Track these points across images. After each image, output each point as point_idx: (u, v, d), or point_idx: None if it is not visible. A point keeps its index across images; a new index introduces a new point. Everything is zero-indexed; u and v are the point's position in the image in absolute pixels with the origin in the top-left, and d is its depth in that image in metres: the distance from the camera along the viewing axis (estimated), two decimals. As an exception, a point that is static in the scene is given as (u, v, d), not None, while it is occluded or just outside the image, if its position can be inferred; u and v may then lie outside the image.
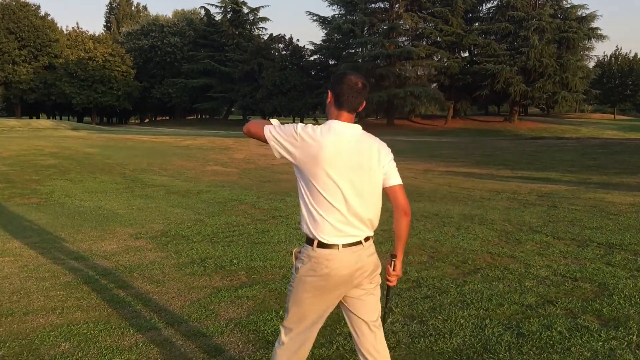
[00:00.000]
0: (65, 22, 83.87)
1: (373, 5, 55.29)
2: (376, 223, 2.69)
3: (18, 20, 63.28)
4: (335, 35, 58.29)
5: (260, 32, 70.33)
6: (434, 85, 56.40)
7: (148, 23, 73.98)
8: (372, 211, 2.64)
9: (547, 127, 48.78)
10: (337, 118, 2.69)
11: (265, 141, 2.68)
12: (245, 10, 68.65)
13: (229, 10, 68.22)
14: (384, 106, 55.20)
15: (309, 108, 60.63)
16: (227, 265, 5.83)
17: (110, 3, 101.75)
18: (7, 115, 75.73)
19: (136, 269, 5.72)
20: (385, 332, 2.85)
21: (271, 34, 65.17)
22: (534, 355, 3.66)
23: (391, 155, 2.73)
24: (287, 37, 62.64)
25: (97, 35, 70.97)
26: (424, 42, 53.79)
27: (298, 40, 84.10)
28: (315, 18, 59.29)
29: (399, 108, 54.77)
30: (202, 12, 72.38)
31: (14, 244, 6.89)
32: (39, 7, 68.63)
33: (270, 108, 59.44)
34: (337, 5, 57.90)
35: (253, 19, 69.90)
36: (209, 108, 69.60)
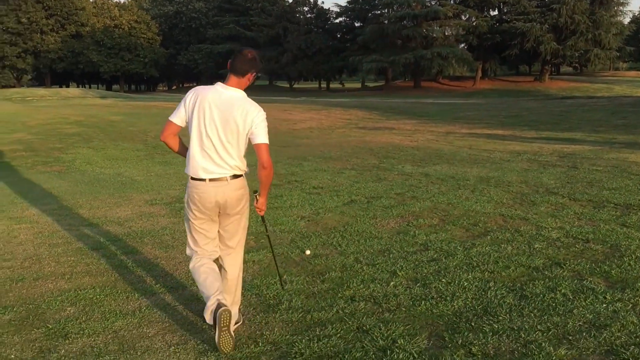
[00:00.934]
0: None
1: (398, -37, 54.03)
2: (244, 166, 3.50)
3: (45, -12, 63.65)
4: (361, -5, 57.35)
5: (285, -4, 69.54)
6: (462, 45, 55.30)
7: (172, -12, 73.74)
8: (237, 156, 3.41)
9: (579, 87, 47.58)
10: (226, 81, 3.48)
11: (172, 130, 3.55)
12: (269, -26, 67.80)
13: (252, -27, 67.48)
14: (411, 68, 54.47)
15: (334, 71, 60.11)
16: (236, 230, 5.87)
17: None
18: (38, 85, 76.86)
19: (147, 235, 5.80)
20: (385, 294, 3.81)
21: (296, -3, 64.39)
22: (535, 317, 3.62)
23: (262, 118, 3.41)
24: (311, 0, 61.71)
25: (122, 2, 71.10)
26: (452, 1, 52.54)
27: (323, 2, 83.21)
28: (339, -21, 58.26)
29: (425, 70, 53.97)
30: (227, -25, 71.76)
31: (33, 211, 7.04)
32: (64, -25, 68.76)
33: (296, 72, 59.15)
34: (360, -36, 56.80)
35: (277, -18, 69.05)
36: (235, 73, 69.51)
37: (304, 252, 5.08)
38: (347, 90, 58.01)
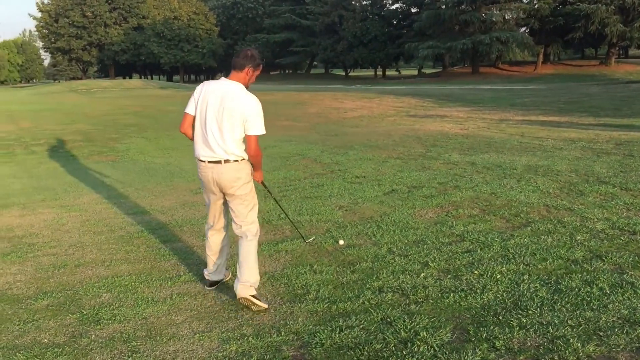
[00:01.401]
0: None
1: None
2: (241, 152, 3.84)
3: (107, -17, 65.66)
4: (418, -20, 56.39)
5: (340, -17, 69.13)
6: (523, 29, 53.60)
7: (229, -21, 74.55)
8: (232, 143, 3.78)
9: (648, 70, 45.36)
10: (229, 76, 3.92)
11: (189, 122, 3.98)
12: (325, -39, 67.54)
13: (308, -39, 67.40)
14: (469, 54, 53.31)
15: (390, 59, 59.46)
16: (273, 220, 5.93)
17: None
18: (103, 76, 79.54)
19: (187, 224, 5.93)
20: (414, 285, 4.05)
21: (352, -16, 63.83)
22: (566, 312, 3.49)
23: (256, 110, 3.79)
24: (367, -13, 61.17)
25: (181, -6, 72.37)
26: (512, -16, 50.93)
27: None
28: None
29: (484, 55, 52.68)
30: (282, -36, 71.98)
31: (83, 200, 7.31)
32: (126, -31, 70.66)
33: (352, 60, 58.88)
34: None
35: (333, -31, 68.70)
36: (291, 63, 69.81)
37: (338, 242, 5.08)
38: (403, 78, 57.33)
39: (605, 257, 4.38)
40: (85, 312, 3.78)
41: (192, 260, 4.81)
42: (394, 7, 60.50)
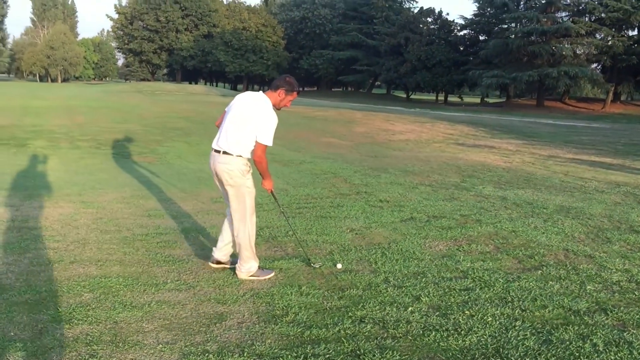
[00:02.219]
0: None
1: (531, -23, 51.86)
2: (240, 150, 4.38)
3: (183, -10, 67.79)
4: (488, 9, 55.68)
5: (410, 5, 69.09)
6: (594, 65, 51.97)
7: (301, -5, 75.68)
8: (235, 141, 4.37)
9: None
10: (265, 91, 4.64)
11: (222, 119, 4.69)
12: (397, -18, 67.70)
13: (380, -18, 67.61)
14: (535, 86, 52.07)
15: (453, 85, 58.66)
16: (280, 236, 5.85)
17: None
18: (171, 80, 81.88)
19: (193, 231, 5.92)
20: (397, 319, 3.89)
21: (421, 7, 63.61)
22: (549, 368, 3.26)
23: (268, 121, 4.36)
24: (436, 11, 60.80)
25: (252, 6, 73.97)
26: (586, 18, 49.55)
27: (448, 14, 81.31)
28: (467, -9, 56.91)
29: (551, 89, 51.32)
30: (355, -16, 72.51)
31: (106, 198, 7.44)
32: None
33: (414, 83, 58.50)
34: (492, -23, 55.10)
35: (405, -8, 68.79)
36: (353, 81, 69.97)
37: (335, 265, 4.95)
38: (465, 105, 56.47)
39: (610, 311, 4.08)
40: (60, 310, 3.78)
41: (184, 268, 4.77)
42: (461, 33, 59.82)
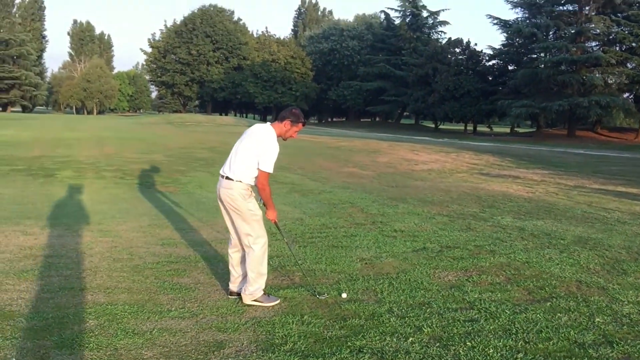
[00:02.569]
0: (255, 26, 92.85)
1: (560, 7, 51.64)
2: (240, 176, 4.59)
3: (214, 24, 69.48)
4: (517, 39, 55.48)
5: (438, 36, 69.37)
6: (626, 95, 51.25)
7: (329, 27, 76.67)
8: (237, 167, 4.61)
9: None
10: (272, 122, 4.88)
11: None
12: (425, 14, 68.12)
13: (408, 14, 68.15)
14: (566, 115, 51.47)
15: (482, 115, 58.29)
16: (288, 265, 5.88)
17: (299, 8, 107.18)
18: (203, 112, 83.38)
19: (204, 260, 5.99)
20: (396, 349, 3.87)
21: (449, 38, 63.77)
22: (545, 401, 3.20)
23: (270, 151, 4.56)
24: (464, 41, 60.87)
25: (282, 39, 75.22)
26: (616, 48, 49.06)
27: (476, 44, 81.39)
28: (495, 22, 57.02)
29: (581, 118, 50.68)
30: (382, 16, 73.23)
31: (124, 227, 7.59)
32: (233, 12, 74.76)
33: (442, 113, 58.38)
34: (520, 8, 55.10)
35: (432, 23, 69.14)
36: (381, 111, 70.17)
37: (340, 295, 4.95)
38: (494, 135, 56.05)
39: (617, 344, 3.99)
40: (63, 337, 3.86)
41: (190, 296, 4.83)
42: (490, 63, 59.71)
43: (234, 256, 4.90)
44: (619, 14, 48.50)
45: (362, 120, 78.62)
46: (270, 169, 4.57)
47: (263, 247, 4.70)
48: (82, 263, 5.67)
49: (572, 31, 49.77)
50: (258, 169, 4.57)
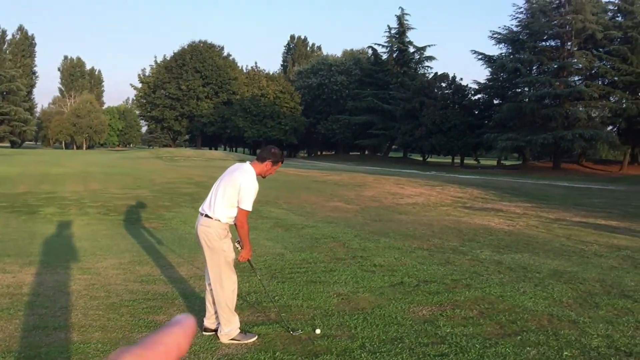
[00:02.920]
0: (245, 61, 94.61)
1: (542, 43, 52.79)
2: (219, 215, 4.71)
3: (204, 60, 70.16)
4: (501, 74, 56.45)
5: (425, 71, 70.39)
6: (610, 127, 52.04)
7: (317, 62, 77.61)
8: (216, 206, 4.71)
9: None
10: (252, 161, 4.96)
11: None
12: (411, 50, 69.22)
13: (395, 49, 69.27)
14: (551, 148, 52.09)
15: (469, 148, 58.94)
16: (265, 302, 5.92)
17: (288, 44, 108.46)
18: (191, 146, 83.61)
19: (181, 297, 6.03)
20: None
21: (435, 73, 64.73)
22: None
23: (249, 189, 4.66)
24: (450, 76, 61.84)
25: (271, 73, 76.02)
26: (599, 82, 50.01)
27: (462, 79, 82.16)
28: (480, 57, 58.13)
29: (566, 151, 51.30)
30: (370, 51, 74.27)
31: (105, 264, 7.61)
32: (222, 48, 75.54)
33: (429, 147, 58.92)
34: (504, 43, 56.28)
35: (419, 58, 70.18)
36: (370, 144, 70.66)
37: (314, 331, 5.00)
38: (481, 168, 56.53)
39: (582, 379, 4.07)
40: (33, 375, 3.90)
41: (164, 334, 4.86)
42: (475, 97, 60.57)
43: (208, 293, 4.95)
44: (600, 49, 49.58)
45: (351, 153, 79.06)
46: (249, 208, 4.69)
47: (232, 287, 4.78)
48: (59, 301, 5.69)
49: (555, 66, 50.74)
50: (238, 207, 4.69)
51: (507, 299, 6.20)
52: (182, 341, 0.59)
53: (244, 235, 4.83)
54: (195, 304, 5.76)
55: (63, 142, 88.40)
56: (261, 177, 4.96)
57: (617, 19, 50.84)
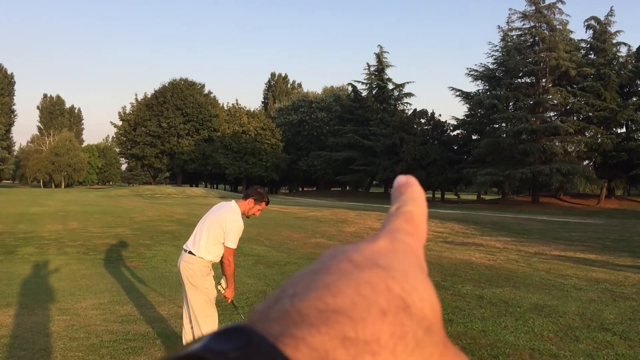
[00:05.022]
0: (226, 98, 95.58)
1: (518, 80, 54.02)
2: (203, 253, 4.83)
3: (185, 97, 70.48)
4: (478, 110, 57.50)
5: (404, 107, 71.37)
6: (586, 162, 53.01)
7: (298, 99, 78.42)
8: (202, 243, 4.82)
9: None
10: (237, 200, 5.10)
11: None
12: (390, 87, 70.30)
13: (374, 86, 70.26)
14: (529, 182, 52.82)
15: (449, 183, 59.50)
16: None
17: (269, 81, 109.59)
18: (172, 183, 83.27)
19: (162, 337, 5.97)
20: None
21: (415, 109, 65.65)
22: None
23: (234, 226, 4.76)
24: (429, 112, 62.83)
25: (252, 110, 76.47)
26: (574, 118, 51.13)
27: (440, 115, 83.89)
28: (458, 93, 59.15)
29: (544, 185, 52.03)
30: (350, 88, 75.20)
31: (83, 304, 7.52)
32: (203, 85, 75.98)
33: (410, 182, 59.29)
34: (481, 80, 57.47)
35: (398, 95, 71.24)
36: (351, 180, 71.11)
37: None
38: (461, 202, 57.03)
39: (563, 413, 4.10)
40: (11, 420, 3.82)
41: (145, 375, 4.81)
42: (454, 132, 61.46)
43: (187, 329, 4.94)
44: (574, 85, 50.89)
45: (332, 189, 79.35)
46: (234, 245, 4.81)
47: (212, 325, 4.80)
48: (37, 343, 5.61)
49: (531, 102, 51.86)
50: (223, 245, 4.80)
51: (488, 334, 6.24)
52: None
53: (230, 274, 4.94)
54: (177, 344, 5.71)
55: (41, 181, 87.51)
56: (245, 216, 5.01)
57: (589, 56, 52.35)
